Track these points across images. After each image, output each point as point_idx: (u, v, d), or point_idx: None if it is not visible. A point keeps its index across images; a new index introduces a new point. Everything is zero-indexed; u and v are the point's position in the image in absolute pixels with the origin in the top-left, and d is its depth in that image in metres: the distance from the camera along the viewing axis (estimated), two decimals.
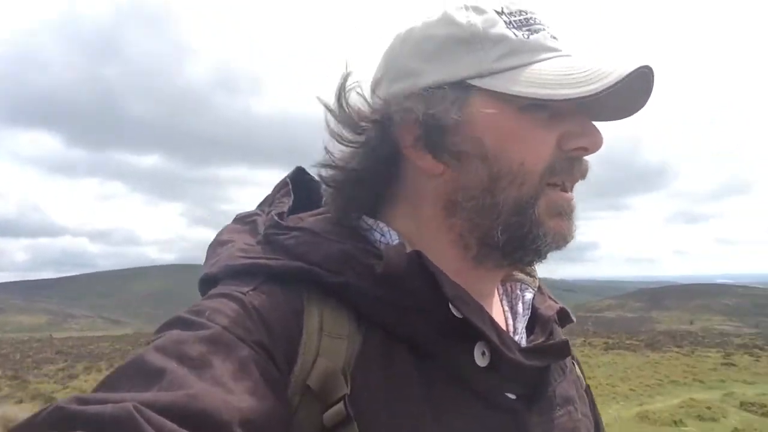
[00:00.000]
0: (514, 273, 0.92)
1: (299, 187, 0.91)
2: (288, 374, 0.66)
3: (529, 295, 0.90)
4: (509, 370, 0.73)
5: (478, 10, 0.76)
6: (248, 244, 0.80)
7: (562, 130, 0.75)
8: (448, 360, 0.72)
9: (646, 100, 0.78)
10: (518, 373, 0.75)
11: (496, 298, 0.88)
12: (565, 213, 0.77)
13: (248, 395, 0.58)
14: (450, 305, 0.71)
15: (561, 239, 0.77)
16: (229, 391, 0.57)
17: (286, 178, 0.93)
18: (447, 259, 0.76)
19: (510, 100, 0.73)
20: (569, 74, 0.72)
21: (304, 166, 0.94)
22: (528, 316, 0.87)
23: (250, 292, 0.70)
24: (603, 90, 0.69)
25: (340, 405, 0.65)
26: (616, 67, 0.71)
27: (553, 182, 0.76)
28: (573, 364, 0.94)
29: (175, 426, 0.51)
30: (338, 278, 0.71)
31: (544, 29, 0.77)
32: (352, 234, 0.79)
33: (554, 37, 0.78)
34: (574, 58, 0.76)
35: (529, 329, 0.86)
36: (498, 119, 0.74)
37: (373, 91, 0.80)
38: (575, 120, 0.76)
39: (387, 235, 0.80)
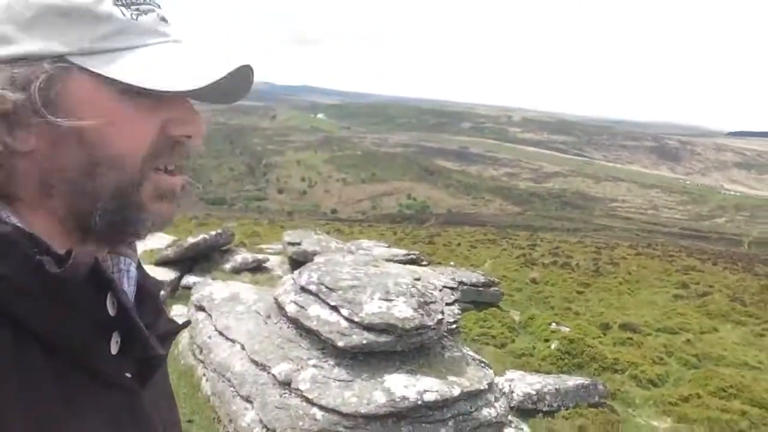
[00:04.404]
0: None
1: None
2: None
3: (134, 270, 0.88)
4: (137, 354, 0.77)
5: None
6: None
7: (166, 115, 0.76)
8: (83, 351, 0.72)
9: (247, 91, 0.83)
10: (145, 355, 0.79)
11: None
12: (169, 196, 0.78)
13: None
14: (108, 309, 0.72)
15: (163, 222, 0.79)
16: None
17: None
18: (57, 246, 0.71)
19: (111, 83, 0.71)
20: (178, 64, 0.74)
21: None
22: (135, 293, 0.87)
23: None
24: (207, 85, 0.72)
25: None
26: (222, 63, 0.74)
27: (157, 166, 0.76)
28: None
29: None
30: None
31: (154, 10, 0.77)
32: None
33: (164, 20, 0.78)
34: (182, 45, 0.77)
35: (136, 305, 0.85)
36: (96, 101, 0.72)
37: None
38: (180, 107, 0.77)
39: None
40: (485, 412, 4.98)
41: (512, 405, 9.59)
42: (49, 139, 0.71)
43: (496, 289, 19.05)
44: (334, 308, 5.23)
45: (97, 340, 0.72)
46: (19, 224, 0.70)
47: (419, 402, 4.66)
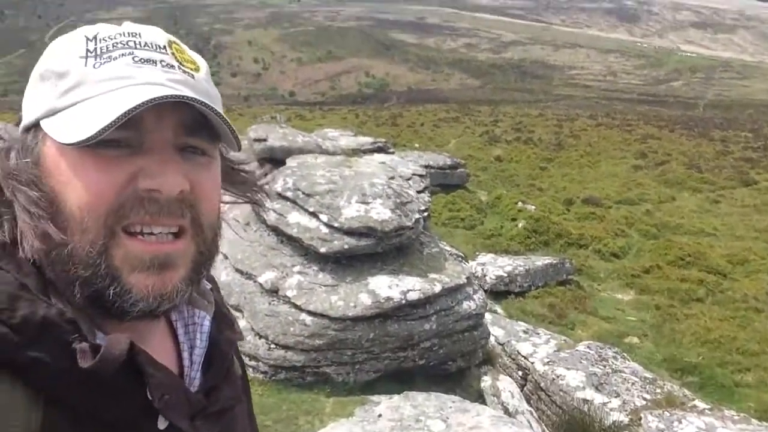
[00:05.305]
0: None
1: None
2: None
3: (207, 324, 0.84)
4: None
5: (74, 40, 0.70)
6: None
7: (137, 166, 0.67)
8: (129, 429, 0.69)
9: (222, 126, 0.70)
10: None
11: (164, 331, 0.82)
12: (151, 267, 0.68)
13: None
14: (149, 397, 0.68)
15: (153, 298, 0.68)
16: None
17: None
18: (79, 319, 0.67)
19: None
20: (93, 112, 0.64)
21: None
22: (206, 348, 0.83)
23: None
24: (94, 133, 0.62)
25: None
26: (125, 102, 0.63)
27: (131, 229, 0.67)
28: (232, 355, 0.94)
29: None
30: (34, 352, 0.62)
31: (130, 53, 0.69)
32: (50, 290, 0.68)
33: (145, 61, 0.68)
34: (132, 88, 0.66)
35: (206, 362, 0.83)
36: (60, 162, 0.67)
37: None
38: (154, 156, 0.68)
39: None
40: (465, 305, 5.22)
41: (485, 288, 10.06)
42: (36, 206, 0.68)
43: (463, 170, 19.31)
44: (313, 214, 5.26)
45: (143, 420, 0.70)
46: (62, 307, 0.66)
47: (403, 301, 4.86)
